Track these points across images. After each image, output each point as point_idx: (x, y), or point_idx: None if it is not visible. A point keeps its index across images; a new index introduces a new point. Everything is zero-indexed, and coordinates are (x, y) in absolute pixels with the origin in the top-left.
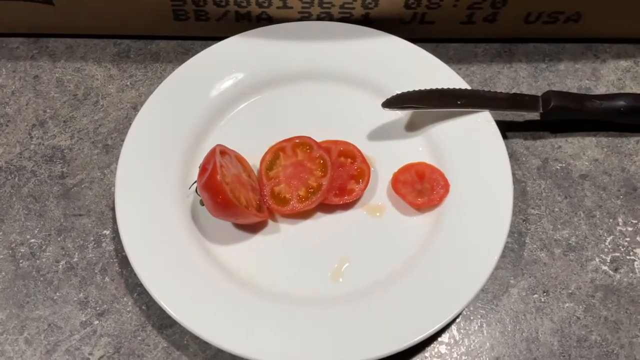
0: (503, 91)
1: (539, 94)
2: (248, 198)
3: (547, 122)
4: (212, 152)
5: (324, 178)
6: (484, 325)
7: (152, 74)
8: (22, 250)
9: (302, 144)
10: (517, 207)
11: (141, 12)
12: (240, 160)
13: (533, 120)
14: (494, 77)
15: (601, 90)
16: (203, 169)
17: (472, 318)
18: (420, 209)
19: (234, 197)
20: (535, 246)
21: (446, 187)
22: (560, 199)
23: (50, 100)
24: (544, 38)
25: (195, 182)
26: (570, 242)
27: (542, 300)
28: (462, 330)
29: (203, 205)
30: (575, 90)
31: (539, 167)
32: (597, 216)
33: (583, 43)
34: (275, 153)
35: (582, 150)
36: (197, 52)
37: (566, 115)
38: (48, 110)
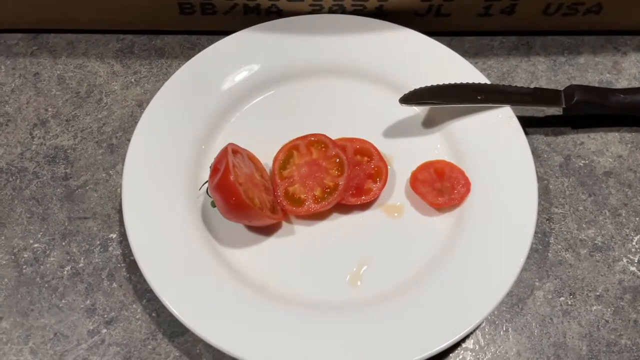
0: (522, 85)
1: (560, 88)
2: (262, 199)
3: (568, 118)
4: (224, 152)
5: (340, 177)
6: (510, 330)
7: (157, 70)
8: (25, 255)
9: (317, 142)
10: (540, 206)
11: (145, 6)
12: (252, 159)
13: (554, 116)
14: (512, 71)
15: (623, 84)
16: (215, 169)
17: (497, 322)
18: (441, 208)
19: (248, 198)
20: (560, 246)
21: (467, 185)
22: (585, 197)
23: (52, 98)
24: (563, 30)
25: (205, 182)
26: (596, 242)
27: (569, 303)
28: (487, 336)
29: (214, 207)
30: (596, 84)
31: (561, 164)
32: (623, 215)
33: (602, 35)
34: (289, 151)
35: (605, 147)
36: (203, 47)
37: (589, 110)
38: (50, 109)
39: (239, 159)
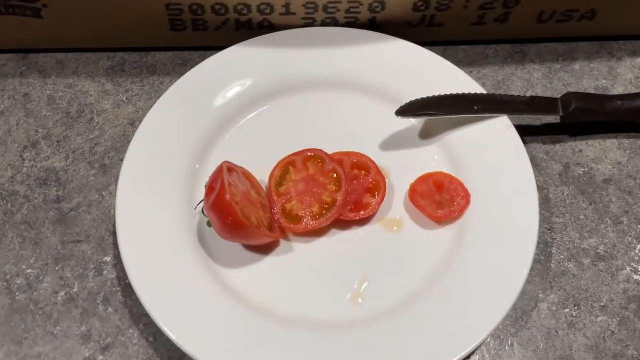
0: (518, 94)
1: (556, 95)
2: (259, 217)
3: (566, 125)
4: (220, 170)
5: (338, 193)
6: (515, 344)
7: (149, 87)
8: (18, 282)
9: (314, 157)
10: (540, 216)
11: (136, 23)
12: (247, 176)
13: (551, 124)
14: (507, 79)
15: (619, 89)
16: (210, 188)
17: (502, 337)
18: (441, 221)
19: (245, 217)
20: (562, 257)
21: (467, 197)
22: (585, 206)
23: (42, 119)
24: (557, 37)
25: (201, 202)
26: (598, 251)
27: (574, 314)
28: (492, 351)
29: (211, 226)
30: (592, 91)
31: (560, 172)
32: (625, 222)
33: (597, 41)
34: (285, 167)
35: (604, 154)
36: (195, 63)
37: (587, 118)
38: (40, 130)
39: (235, 177)
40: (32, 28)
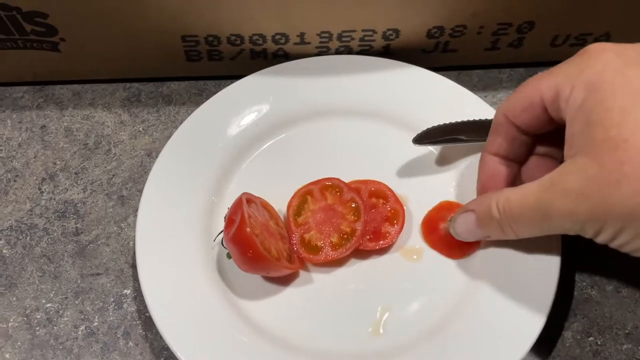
0: None
1: None
2: (278, 248)
3: None
4: (239, 202)
5: (357, 222)
6: None
7: (165, 117)
8: (37, 316)
9: (331, 186)
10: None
11: (152, 55)
12: (265, 206)
13: None
14: None
15: None
16: (230, 220)
17: None
18: (465, 255)
19: (265, 249)
20: (585, 284)
21: None
22: None
23: (60, 151)
24: None
25: (220, 233)
26: (621, 277)
27: (599, 343)
28: None
29: (230, 258)
30: None
31: None
32: None
33: None
34: (303, 197)
35: None
36: (211, 92)
37: None
38: (58, 162)
39: (254, 208)
40: (50, 61)
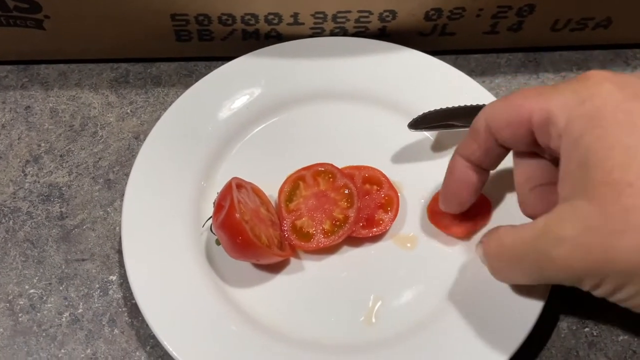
0: None
1: None
2: (269, 235)
3: None
4: (228, 187)
5: (350, 209)
6: None
7: (154, 99)
8: (20, 302)
9: (324, 172)
10: None
11: (141, 35)
12: (256, 192)
13: None
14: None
15: None
16: (219, 205)
17: (520, 359)
18: (470, 235)
19: (255, 236)
20: None
21: (487, 204)
22: None
23: (45, 132)
24: (571, 46)
25: (209, 218)
26: None
27: (595, 333)
28: None
29: (219, 244)
30: None
31: None
32: None
33: (611, 49)
34: (295, 183)
35: None
36: (201, 73)
37: None
38: (43, 144)
39: (244, 194)
40: (34, 39)
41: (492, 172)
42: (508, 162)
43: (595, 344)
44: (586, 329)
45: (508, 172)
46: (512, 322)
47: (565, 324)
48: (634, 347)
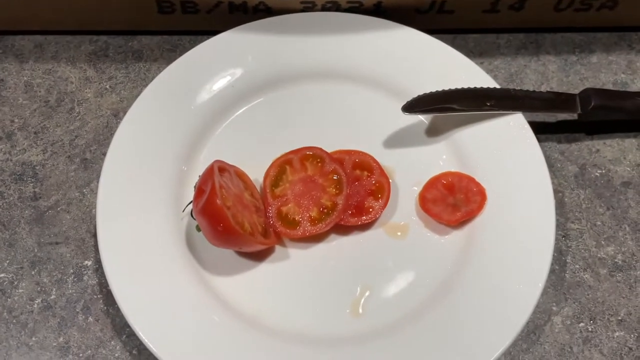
0: (532, 88)
1: (572, 90)
2: (252, 222)
3: (582, 123)
4: (210, 171)
5: (339, 196)
6: None
7: (134, 75)
8: None
9: (312, 156)
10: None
11: (121, 5)
12: (240, 176)
13: (566, 121)
14: (521, 72)
15: (639, 84)
16: (199, 190)
17: (512, 353)
18: (459, 224)
19: (237, 223)
20: (577, 266)
21: (482, 193)
22: (602, 211)
23: (18, 108)
24: (573, 27)
25: (190, 203)
26: (616, 260)
27: (589, 329)
28: None
29: (199, 231)
30: (610, 86)
31: (576, 174)
32: None
33: (615, 32)
34: (281, 167)
35: (622, 154)
36: (185, 48)
37: (607, 116)
38: (16, 120)
39: (227, 178)
40: (8, 7)
41: (487, 157)
42: (509, 150)
43: (590, 340)
44: (581, 324)
45: (506, 161)
46: (506, 314)
47: (559, 319)
48: (630, 343)
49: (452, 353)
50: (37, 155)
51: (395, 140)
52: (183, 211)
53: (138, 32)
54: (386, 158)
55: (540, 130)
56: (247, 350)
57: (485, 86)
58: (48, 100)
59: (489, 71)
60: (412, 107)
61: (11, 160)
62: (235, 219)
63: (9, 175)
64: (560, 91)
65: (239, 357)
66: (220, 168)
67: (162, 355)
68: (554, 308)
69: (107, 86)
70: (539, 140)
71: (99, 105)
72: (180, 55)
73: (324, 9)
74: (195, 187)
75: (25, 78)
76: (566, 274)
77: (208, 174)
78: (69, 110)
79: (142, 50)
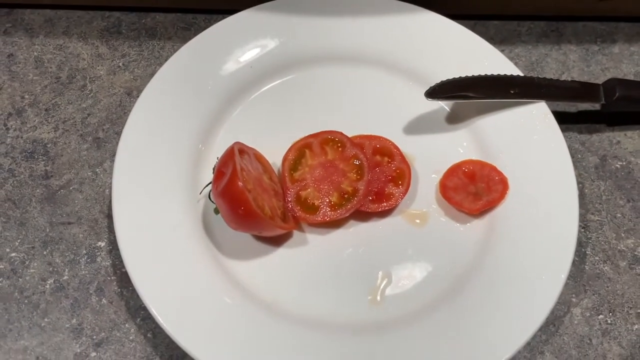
0: (552, 77)
1: (593, 80)
2: (272, 206)
3: (604, 114)
4: (231, 152)
5: (360, 182)
6: (546, 352)
7: (148, 53)
8: (1, 266)
9: (332, 140)
10: None
11: None
12: (259, 159)
13: (587, 111)
14: (541, 60)
15: None
16: (219, 172)
17: (532, 344)
18: (481, 213)
19: (258, 206)
20: (597, 258)
21: (504, 181)
22: (623, 203)
23: (29, 84)
24: (595, 16)
25: (208, 185)
26: (636, 253)
27: (609, 321)
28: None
29: (218, 213)
30: (631, 77)
31: (597, 165)
32: None
33: (637, 23)
34: (300, 151)
35: None
36: (200, 27)
37: (630, 107)
38: (26, 96)
39: (246, 160)
40: None
41: (509, 146)
42: (532, 139)
43: (609, 332)
44: (600, 317)
45: (528, 150)
46: (527, 306)
47: (579, 310)
48: None
49: (473, 345)
50: (49, 132)
51: (415, 127)
52: (200, 193)
53: (152, 8)
54: (406, 144)
55: (561, 119)
56: (264, 335)
57: (508, 73)
58: (59, 77)
59: (510, 59)
60: (435, 93)
61: (22, 137)
62: (255, 203)
63: (20, 152)
64: (577, 79)
65: (256, 342)
66: (240, 150)
67: (178, 338)
68: (574, 299)
69: (120, 64)
70: (561, 131)
71: (111, 83)
72: (195, 34)
73: None
74: (214, 169)
75: (35, 53)
76: (586, 266)
77: (228, 156)
78: (80, 87)
79: (155, 27)
